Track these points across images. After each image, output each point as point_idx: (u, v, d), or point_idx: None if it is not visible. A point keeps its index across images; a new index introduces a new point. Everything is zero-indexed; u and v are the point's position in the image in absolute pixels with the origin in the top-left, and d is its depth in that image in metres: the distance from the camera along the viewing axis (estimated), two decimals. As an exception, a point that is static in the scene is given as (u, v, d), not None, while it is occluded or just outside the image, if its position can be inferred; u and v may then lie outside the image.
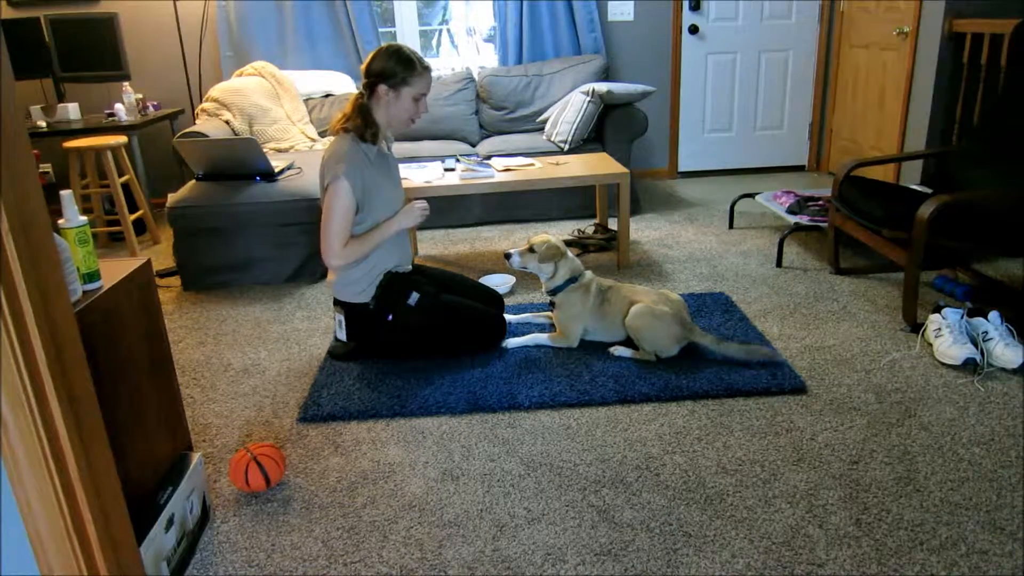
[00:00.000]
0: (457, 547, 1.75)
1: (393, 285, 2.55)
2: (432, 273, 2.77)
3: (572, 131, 4.22)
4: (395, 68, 2.41)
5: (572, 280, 2.69)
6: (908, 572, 1.61)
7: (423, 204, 2.60)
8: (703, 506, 1.84)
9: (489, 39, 5.25)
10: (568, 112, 4.27)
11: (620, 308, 2.63)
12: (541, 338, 2.72)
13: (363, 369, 2.62)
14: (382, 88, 2.43)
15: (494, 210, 4.31)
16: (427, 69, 2.48)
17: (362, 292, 2.54)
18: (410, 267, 2.69)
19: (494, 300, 2.83)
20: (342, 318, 2.58)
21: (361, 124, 2.45)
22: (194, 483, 1.80)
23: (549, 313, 2.82)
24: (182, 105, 4.96)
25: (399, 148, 4.25)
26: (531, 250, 2.69)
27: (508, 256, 2.71)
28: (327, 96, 4.74)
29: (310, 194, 3.45)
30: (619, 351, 2.61)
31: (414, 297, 2.54)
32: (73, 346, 1.17)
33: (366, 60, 2.48)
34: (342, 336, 2.62)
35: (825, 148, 5.29)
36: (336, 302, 2.61)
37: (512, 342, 2.71)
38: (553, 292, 2.71)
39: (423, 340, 2.62)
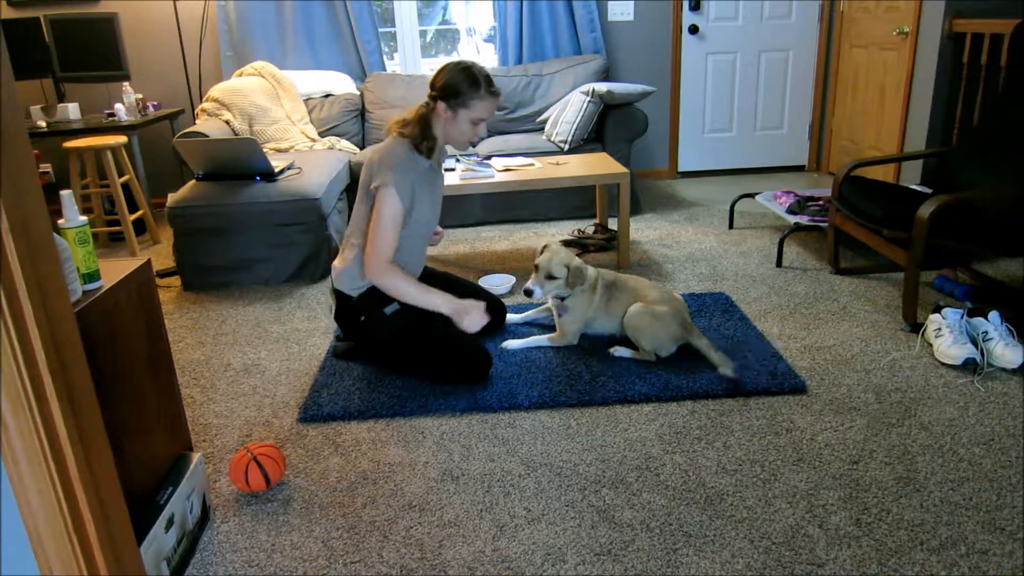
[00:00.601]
0: (457, 547, 1.75)
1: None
2: (438, 276, 2.74)
3: (572, 131, 4.22)
4: (459, 87, 2.31)
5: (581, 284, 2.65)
6: (908, 572, 1.61)
7: (481, 317, 2.42)
8: (703, 506, 1.84)
9: (489, 39, 5.25)
10: (568, 112, 4.28)
11: (624, 304, 2.61)
12: (541, 340, 2.71)
13: (363, 369, 2.62)
14: (441, 105, 2.34)
15: (494, 210, 4.31)
16: (493, 93, 2.35)
17: (356, 288, 2.49)
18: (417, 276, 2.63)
19: (494, 305, 2.81)
20: (334, 305, 2.56)
21: (419, 135, 2.37)
22: (194, 483, 1.80)
23: (549, 305, 2.79)
24: (182, 105, 4.96)
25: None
26: (550, 277, 2.55)
27: (529, 293, 2.56)
28: (327, 96, 4.74)
29: (310, 194, 3.45)
30: (619, 351, 2.61)
31: (392, 307, 2.45)
32: (73, 346, 1.17)
33: (435, 71, 2.39)
34: (330, 319, 2.58)
35: (825, 148, 5.29)
36: (332, 289, 2.57)
37: (512, 344, 2.70)
38: (562, 297, 2.66)
39: (390, 353, 2.52)
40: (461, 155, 3.94)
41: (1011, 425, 2.12)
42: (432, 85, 2.38)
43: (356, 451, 2.15)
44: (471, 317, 2.41)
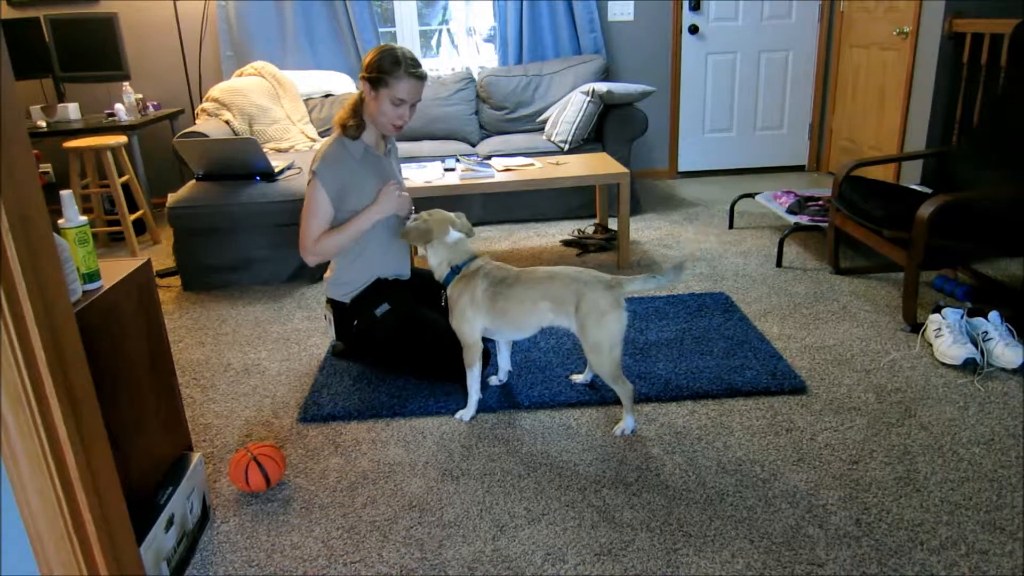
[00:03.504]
0: (457, 547, 1.75)
1: (371, 291, 2.48)
2: (431, 278, 2.72)
3: (572, 131, 4.22)
4: (379, 65, 2.31)
5: (456, 270, 2.26)
6: (908, 572, 1.61)
7: (399, 185, 2.43)
8: (703, 506, 1.84)
9: (489, 39, 5.25)
10: (568, 112, 4.27)
11: (520, 302, 2.17)
12: (469, 378, 2.29)
13: (363, 369, 2.62)
14: (365, 85, 2.36)
15: (494, 210, 4.31)
16: (412, 75, 2.30)
17: (347, 294, 2.49)
18: (407, 275, 2.63)
19: None
20: (332, 316, 2.56)
21: (347, 116, 2.41)
22: (194, 483, 1.80)
23: None
24: (182, 105, 4.96)
25: (399, 148, 4.24)
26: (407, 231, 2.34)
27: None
28: (327, 96, 4.74)
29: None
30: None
31: (382, 308, 2.45)
32: (73, 346, 1.17)
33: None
34: (331, 334, 2.60)
35: (825, 148, 5.29)
36: (327, 300, 2.59)
37: (465, 415, 2.31)
38: (444, 286, 2.30)
39: (387, 355, 2.52)
40: (461, 155, 3.94)
41: (1011, 425, 2.12)
42: (362, 68, 2.39)
43: (356, 451, 2.15)
44: (391, 192, 2.42)
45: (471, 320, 2.23)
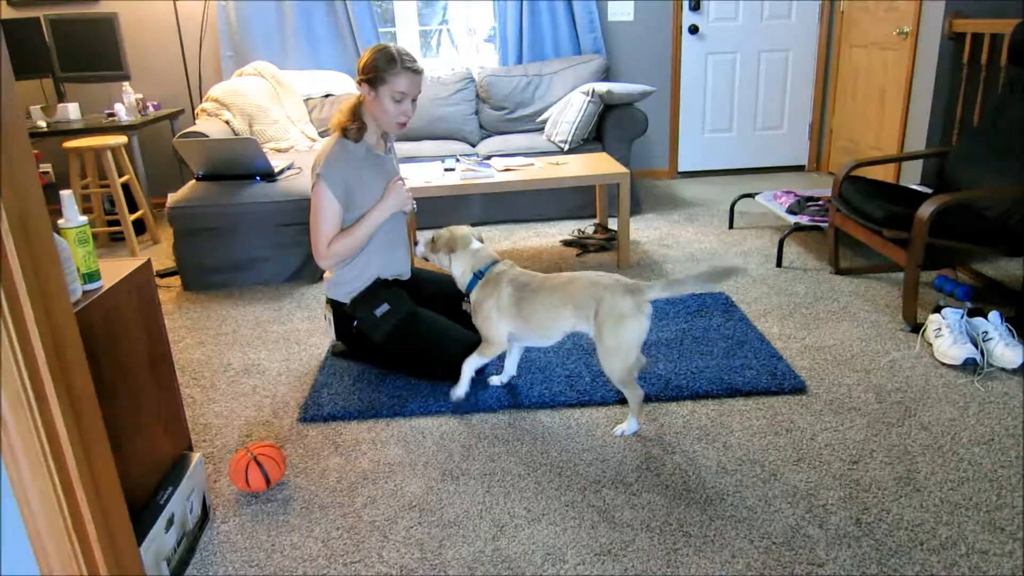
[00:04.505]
0: (457, 547, 1.75)
1: (371, 291, 2.49)
2: (429, 279, 2.72)
3: (572, 131, 4.22)
4: (375, 65, 2.33)
5: (479, 275, 2.31)
6: (908, 572, 1.61)
7: (405, 190, 2.47)
8: (703, 506, 1.84)
9: (489, 39, 5.25)
10: (568, 112, 4.27)
11: (543, 306, 2.18)
12: (470, 361, 2.31)
13: (363, 369, 2.62)
14: (364, 87, 2.37)
15: (494, 210, 4.31)
16: (409, 69, 2.33)
17: (348, 293, 2.50)
18: (407, 275, 2.64)
19: None
20: (332, 316, 2.57)
21: (347, 120, 2.42)
22: (194, 483, 1.80)
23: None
24: (182, 105, 4.96)
25: (399, 148, 4.25)
26: (434, 241, 2.40)
27: (416, 243, 2.47)
28: (327, 96, 4.74)
29: (310, 194, 3.45)
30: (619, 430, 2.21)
31: (382, 308, 2.46)
32: (73, 346, 1.17)
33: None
34: (331, 335, 2.61)
35: (825, 148, 5.29)
36: (327, 300, 2.60)
37: (456, 392, 2.34)
38: (468, 292, 2.34)
39: (387, 355, 2.53)
40: (461, 155, 3.94)
41: (1011, 425, 2.12)
42: (357, 71, 2.40)
43: (356, 451, 2.15)
44: (398, 194, 2.46)
45: (496, 323, 2.25)
